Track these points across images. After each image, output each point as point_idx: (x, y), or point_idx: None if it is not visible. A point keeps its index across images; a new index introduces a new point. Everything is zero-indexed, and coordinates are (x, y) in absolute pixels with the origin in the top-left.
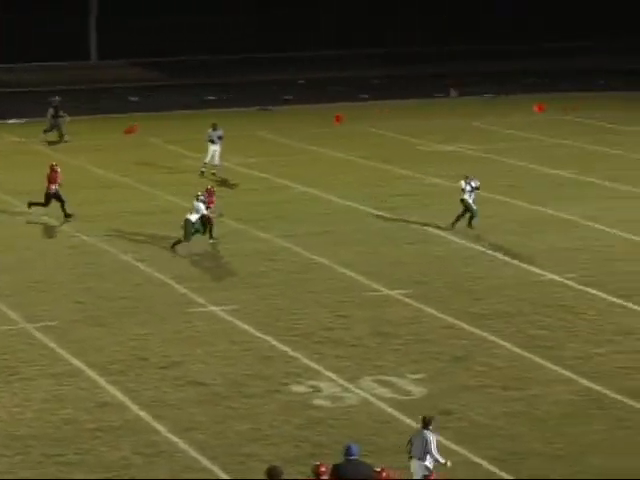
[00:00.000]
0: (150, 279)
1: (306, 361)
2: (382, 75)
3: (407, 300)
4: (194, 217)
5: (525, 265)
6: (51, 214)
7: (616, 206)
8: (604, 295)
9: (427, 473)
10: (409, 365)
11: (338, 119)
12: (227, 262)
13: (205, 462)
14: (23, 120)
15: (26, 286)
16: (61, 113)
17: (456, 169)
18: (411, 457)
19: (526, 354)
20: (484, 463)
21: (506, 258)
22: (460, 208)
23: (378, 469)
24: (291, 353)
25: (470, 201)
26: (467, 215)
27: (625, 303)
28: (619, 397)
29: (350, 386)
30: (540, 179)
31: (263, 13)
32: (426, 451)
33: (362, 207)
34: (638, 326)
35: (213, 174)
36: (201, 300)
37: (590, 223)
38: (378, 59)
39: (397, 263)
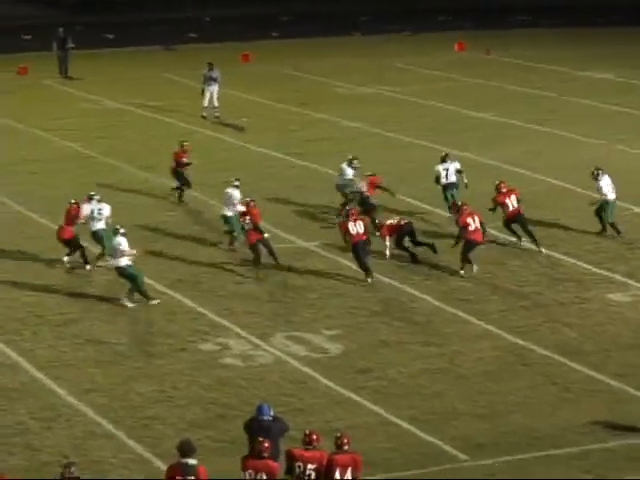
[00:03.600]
0: (45, 231)
1: (214, 317)
2: (292, 12)
3: (322, 252)
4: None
5: (442, 212)
6: None
7: (541, 150)
8: (527, 245)
9: None
10: (324, 320)
11: (246, 58)
12: (132, 213)
13: (107, 426)
14: None
15: None
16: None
17: (376, 113)
18: None
19: (447, 307)
20: (404, 424)
21: (426, 206)
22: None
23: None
24: (198, 309)
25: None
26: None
27: (551, 253)
28: (545, 352)
29: (261, 344)
30: (461, 122)
31: None
32: None
33: (274, 153)
34: (564, 277)
35: (217, 117)
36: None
37: (513, 168)
38: None
39: (305, 214)
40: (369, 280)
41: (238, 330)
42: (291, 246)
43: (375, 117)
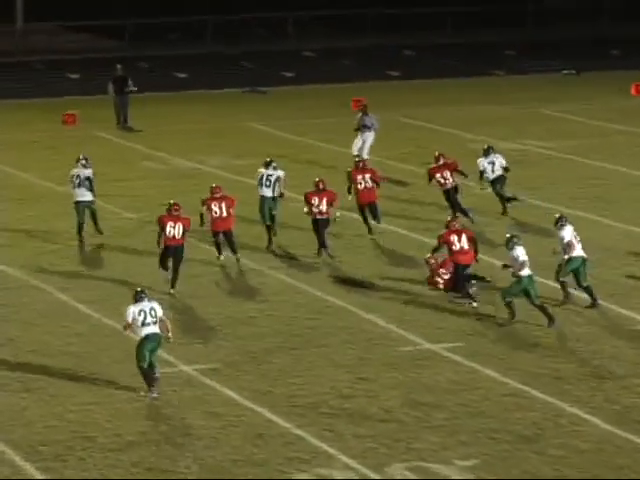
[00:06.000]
0: (96, 327)
1: (314, 441)
2: (417, 45)
3: (454, 357)
4: None
5: (624, 311)
6: None
7: None
8: None
9: None
10: (457, 448)
11: (357, 104)
12: (205, 303)
13: None
14: None
15: None
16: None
17: (522, 175)
18: None
19: (620, 432)
20: None
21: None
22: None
23: None
24: (294, 430)
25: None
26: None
27: None
28: None
29: (375, 476)
30: None
31: None
32: None
33: (404, 231)
34: None
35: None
36: (169, 357)
37: None
38: (410, 22)
39: (433, 308)
40: (172, 291)
41: (345, 459)
42: (413, 349)
43: (522, 181)
